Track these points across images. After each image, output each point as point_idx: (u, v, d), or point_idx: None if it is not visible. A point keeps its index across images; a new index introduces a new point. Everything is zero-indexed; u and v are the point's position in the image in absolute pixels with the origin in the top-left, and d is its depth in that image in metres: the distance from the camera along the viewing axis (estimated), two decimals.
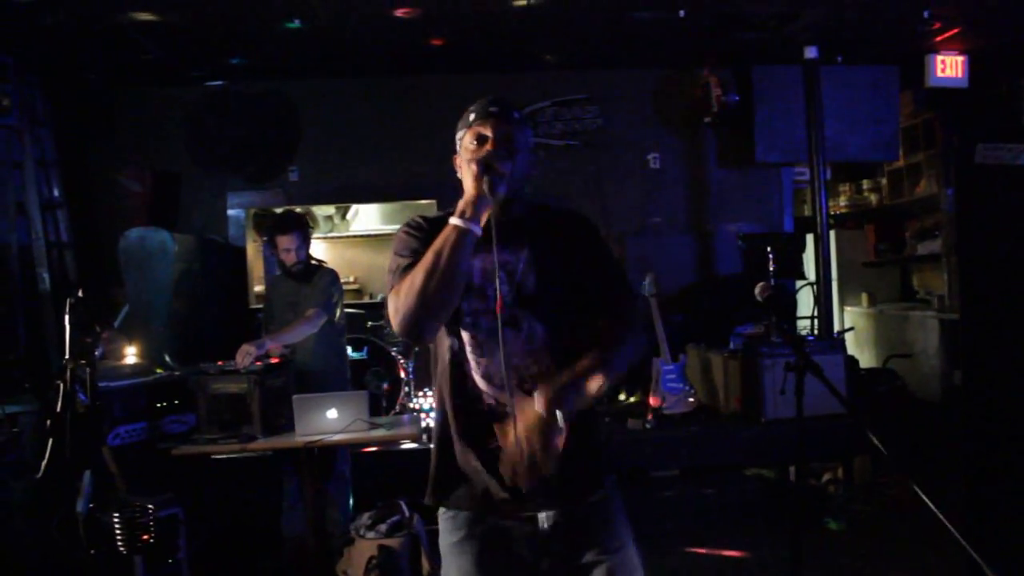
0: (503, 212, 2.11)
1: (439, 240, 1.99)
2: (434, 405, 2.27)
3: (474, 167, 2.03)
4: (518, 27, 6.14)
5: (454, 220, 1.99)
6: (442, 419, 2.20)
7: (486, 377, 2.13)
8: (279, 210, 6.84)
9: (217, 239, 7.26)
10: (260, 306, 7.00)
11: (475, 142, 2.13)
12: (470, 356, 2.14)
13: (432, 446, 2.25)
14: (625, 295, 2.24)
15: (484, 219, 2.02)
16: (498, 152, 2.07)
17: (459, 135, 2.19)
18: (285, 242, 4.75)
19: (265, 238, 5.15)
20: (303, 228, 4.83)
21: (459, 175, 2.18)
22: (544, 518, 2.12)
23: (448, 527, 2.21)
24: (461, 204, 2.01)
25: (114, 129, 7.18)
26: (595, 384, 2.03)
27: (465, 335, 2.14)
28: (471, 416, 2.13)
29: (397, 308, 2.03)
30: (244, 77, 7.16)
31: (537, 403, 1.98)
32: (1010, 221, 3.28)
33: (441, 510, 2.22)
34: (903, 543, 4.85)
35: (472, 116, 2.16)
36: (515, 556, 2.12)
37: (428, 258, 1.98)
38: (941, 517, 2.06)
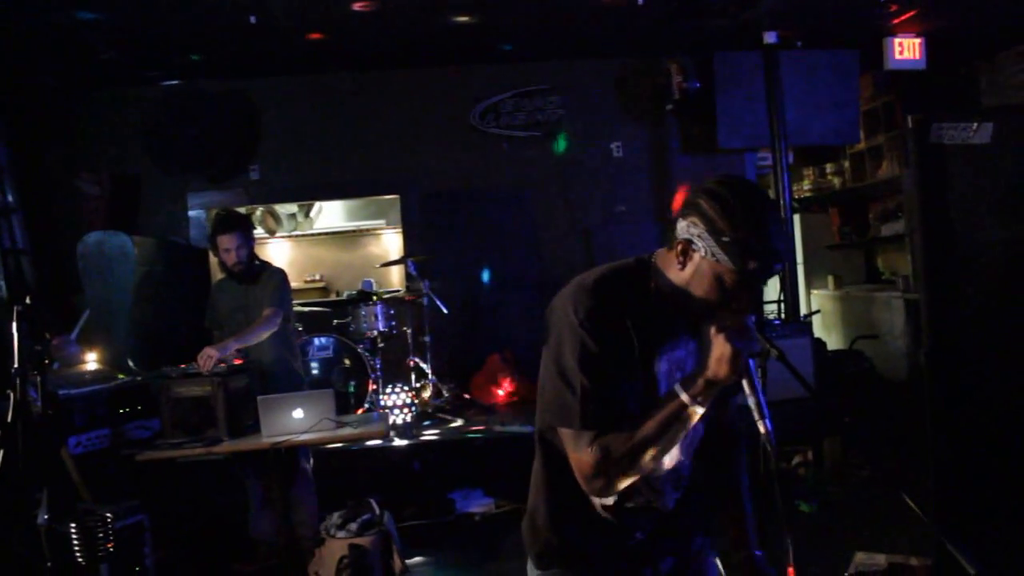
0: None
1: (662, 413, 1.72)
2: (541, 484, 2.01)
3: (730, 348, 1.67)
4: (477, 18, 6.09)
5: (686, 398, 1.70)
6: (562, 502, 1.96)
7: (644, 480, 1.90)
8: (241, 209, 6.78)
9: (179, 241, 7.17)
10: None
11: (734, 286, 1.71)
12: None
13: (540, 513, 2.00)
14: None
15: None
16: (749, 323, 1.73)
17: (712, 251, 1.70)
18: (226, 242, 4.67)
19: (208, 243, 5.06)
20: (244, 228, 4.76)
21: (678, 263, 1.76)
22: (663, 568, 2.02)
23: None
24: (701, 382, 1.70)
25: (70, 132, 7.07)
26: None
27: None
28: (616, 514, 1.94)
29: (602, 470, 1.75)
30: (202, 76, 7.06)
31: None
32: (968, 199, 3.30)
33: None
34: (874, 524, 4.88)
35: (753, 264, 1.68)
36: None
37: (649, 433, 1.72)
38: (918, 511, 2.06)
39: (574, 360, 1.75)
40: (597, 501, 1.91)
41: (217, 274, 7.15)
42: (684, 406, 1.71)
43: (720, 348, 1.68)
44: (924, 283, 3.33)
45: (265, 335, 4.59)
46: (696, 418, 1.72)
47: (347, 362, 6.56)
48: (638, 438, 1.72)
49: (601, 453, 1.73)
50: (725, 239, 1.68)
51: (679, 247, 1.75)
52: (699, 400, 1.70)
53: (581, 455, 1.76)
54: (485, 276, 7.55)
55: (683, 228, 1.74)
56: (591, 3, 5.95)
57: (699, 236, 1.71)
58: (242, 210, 7.85)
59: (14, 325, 2.98)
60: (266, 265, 4.88)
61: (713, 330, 1.70)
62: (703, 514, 2.08)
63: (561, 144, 7.50)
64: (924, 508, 2.13)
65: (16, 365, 3.02)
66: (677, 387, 1.72)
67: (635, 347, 1.78)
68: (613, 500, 1.90)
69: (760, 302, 7.50)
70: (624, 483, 1.78)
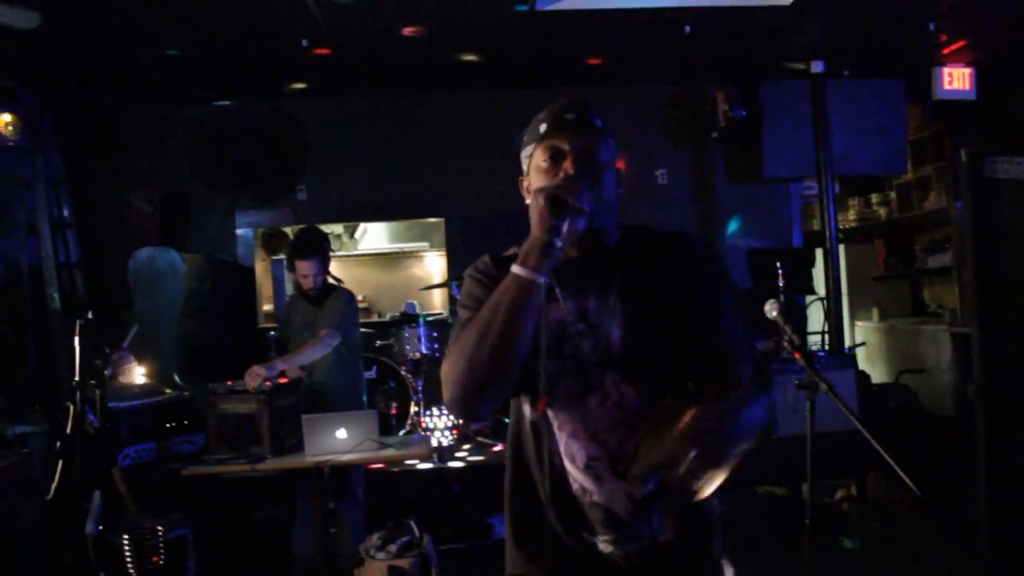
0: (584, 248, 1.72)
1: (496, 293, 1.59)
2: (507, 462, 1.83)
3: (540, 200, 1.58)
4: (524, 45, 6.15)
5: (516, 268, 1.56)
6: (522, 481, 1.79)
7: (569, 456, 1.71)
8: (287, 228, 6.87)
9: (226, 258, 7.27)
10: (269, 325, 7.03)
11: (548, 160, 1.70)
12: (553, 427, 1.73)
13: (507, 513, 1.83)
14: (737, 347, 1.72)
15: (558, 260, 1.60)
16: (579, 175, 1.64)
17: (525, 152, 1.77)
18: (305, 268, 4.72)
19: (282, 257, 5.14)
20: (324, 254, 4.79)
21: (527, 202, 1.73)
22: None
23: None
24: (525, 246, 1.58)
25: (123, 149, 7.21)
26: (702, 483, 1.57)
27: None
28: (560, 500, 1.73)
29: (444, 377, 1.63)
30: (251, 96, 7.18)
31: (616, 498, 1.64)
32: (1022, 233, 3.26)
33: None
34: (918, 561, 4.80)
35: (543, 127, 1.72)
36: None
37: (482, 316, 1.59)
38: None
39: (460, 304, 1.77)
40: (547, 504, 1.71)
41: (264, 291, 7.30)
42: (515, 279, 1.56)
43: (531, 205, 1.64)
44: (977, 318, 3.30)
45: (316, 356, 4.61)
46: (533, 291, 1.54)
47: (390, 384, 6.60)
48: (471, 327, 1.60)
49: (447, 355, 1.64)
50: (525, 136, 1.77)
51: (522, 188, 1.80)
52: (528, 264, 1.55)
53: (441, 372, 1.66)
54: None
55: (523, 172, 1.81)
56: (638, 30, 5.97)
57: (522, 160, 1.79)
58: (287, 229, 8.00)
59: (76, 339, 3.05)
60: (336, 286, 4.91)
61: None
62: (708, 536, 1.81)
63: None
64: (975, 546, 2.09)
65: (76, 378, 3.09)
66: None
67: None
68: (557, 503, 1.71)
69: (803, 332, 7.47)
70: (465, 388, 1.59)
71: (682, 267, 1.73)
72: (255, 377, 4.34)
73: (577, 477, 1.70)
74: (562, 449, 1.71)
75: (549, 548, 1.73)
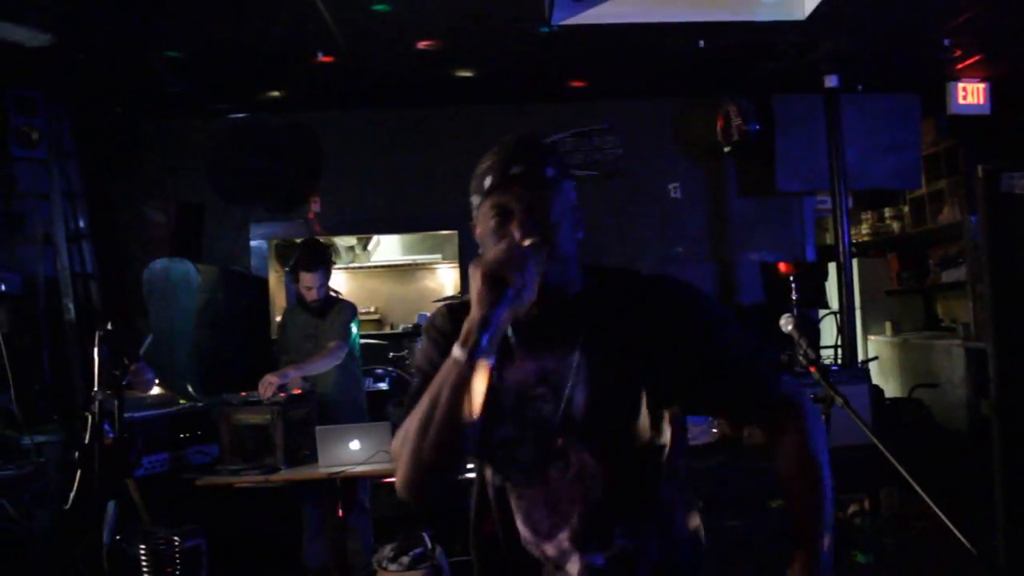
0: (544, 302, 1.56)
1: (437, 378, 1.48)
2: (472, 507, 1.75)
3: (477, 278, 1.46)
4: (538, 59, 6.18)
5: (455, 351, 1.46)
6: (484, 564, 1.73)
7: (528, 524, 1.64)
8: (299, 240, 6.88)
9: (240, 270, 7.30)
10: None
11: (495, 219, 1.57)
12: (510, 496, 1.66)
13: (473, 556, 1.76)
14: (767, 375, 1.64)
15: (503, 336, 1.52)
16: (525, 239, 1.52)
17: (474, 201, 1.64)
18: (308, 280, 4.78)
19: (287, 268, 5.20)
20: (327, 265, 4.87)
21: (480, 252, 1.62)
22: None
23: None
24: (466, 325, 1.47)
25: (138, 160, 7.26)
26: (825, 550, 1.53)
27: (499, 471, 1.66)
28: (530, 570, 1.66)
29: (395, 456, 1.56)
30: (267, 109, 7.23)
31: None
32: None
33: None
34: None
35: (488, 180, 1.58)
36: None
37: (424, 404, 1.49)
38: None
39: (415, 365, 1.69)
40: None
41: (278, 303, 7.33)
42: (455, 363, 1.45)
43: (471, 278, 1.49)
44: (992, 332, 3.29)
45: (327, 367, 4.67)
46: (468, 371, 1.43)
47: (402, 395, 6.60)
48: (420, 406, 1.49)
49: (398, 433, 1.55)
50: (473, 183, 1.64)
51: (475, 233, 1.67)
52: (466, 346, 1.44)
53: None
54: None
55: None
56: (652, 44, 5.99)
57: (474, 209, 1.66)
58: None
59: (95, 349, 3.07)
60: (338, 298, 4.98)
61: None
62: None
63: None
64: (990, 562, 2.08)
65: (95, 388, 3.11)
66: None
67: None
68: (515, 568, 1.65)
69: (817, 346, 7.45)
70: (412, 477, 1.50)
71: (661, 317, 1.59)
72: (268, 386, 4.37)
73: (544, 548, 1.63)
74: (521, 517, 1.64)
75: None
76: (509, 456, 1.61)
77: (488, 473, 1.68)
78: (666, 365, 1.57)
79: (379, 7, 4.93)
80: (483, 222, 1.61)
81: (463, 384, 1.44)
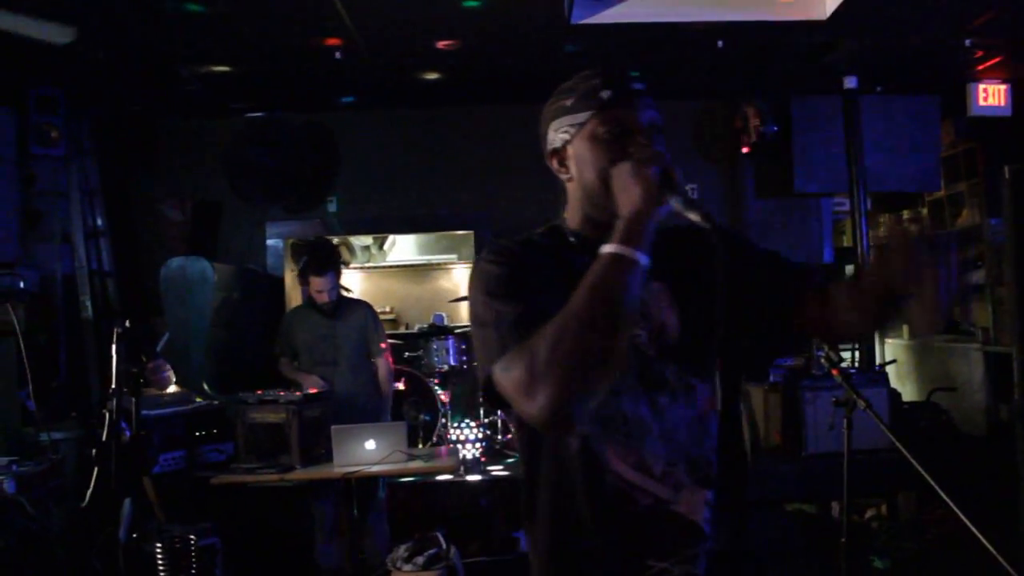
0: None
1: (591, 276, 1.34)
2: (533, 509, 1.60)
3: (646, 171, 1.40)
4: (556, 59, 6.16)
5: (613, 248, 1.35)
6: (560, 530, 1.55)
7: (639, 467, 1.50)
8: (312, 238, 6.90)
9: (256, 268, 7.32)
10: None
11: (612, 132, 1.49)
12: (607, 440, 1.50)
13: (534, 560, 1.61)
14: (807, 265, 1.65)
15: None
16: (663, 150, 1.48)
17: (570, 119, 1.54)
18: (320, 284, 4.78)
19: (297, 272, 5.23)
20: (337, 268, 4.88)
21: (565, 178, 1.59)
22: None
23: None
24: (622, 223, 1.38)
25: (156, 159, 7.29)
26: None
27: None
28: (623, 524, 1.51)
29: (533, 381, 1.31)
30: (284, 108, 7.24)
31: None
32: None
33: None
34: None
35: (607, 94, 1.50)
36: None
37: (580, 303, 1.32)
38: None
39: (483, 295, 1.47)
40: (585, 507, 1.50)
41: (293, 302, 7.34)
42: (617, 258, 1.34)
43: (621, 178, 1.42)
44: (1017, 335, 3.25)
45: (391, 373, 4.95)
46: (635, 268, 1.34)
47: (418, 395, 6.61)
48: (565, 313, 1.32)
49: (527, 356, 1.33)
50: (569, 103, 1.54)
51: (554, 162, 1.59)
52: (627, 241, 1.35)
53: (511, 379, 1.35)
54: None
55: (548, 144, 1.60)
56: (671, 44, 5.97)
57: (556, 131, 1.57)
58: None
59: (112, 347, 3.08)
60: (350, 298, 5.00)
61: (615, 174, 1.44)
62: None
63: None
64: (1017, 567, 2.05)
65: (113, 386, 3.11)
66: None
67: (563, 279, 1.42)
68: (617, 528, 1.50)
69: (836, 349, 7.40)
70: (574, 387, 1.31)
71: (719, 241, 1.46)
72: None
73: (652, 489, 1.51)
74: (631, 461, 1.50)
75: None
76: (613, 395, 1.48)
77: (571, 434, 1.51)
78: (738, 279, 1.53)
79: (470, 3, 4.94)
80: (592, 135, 1.52)
81: (627, 279, 1.33)
